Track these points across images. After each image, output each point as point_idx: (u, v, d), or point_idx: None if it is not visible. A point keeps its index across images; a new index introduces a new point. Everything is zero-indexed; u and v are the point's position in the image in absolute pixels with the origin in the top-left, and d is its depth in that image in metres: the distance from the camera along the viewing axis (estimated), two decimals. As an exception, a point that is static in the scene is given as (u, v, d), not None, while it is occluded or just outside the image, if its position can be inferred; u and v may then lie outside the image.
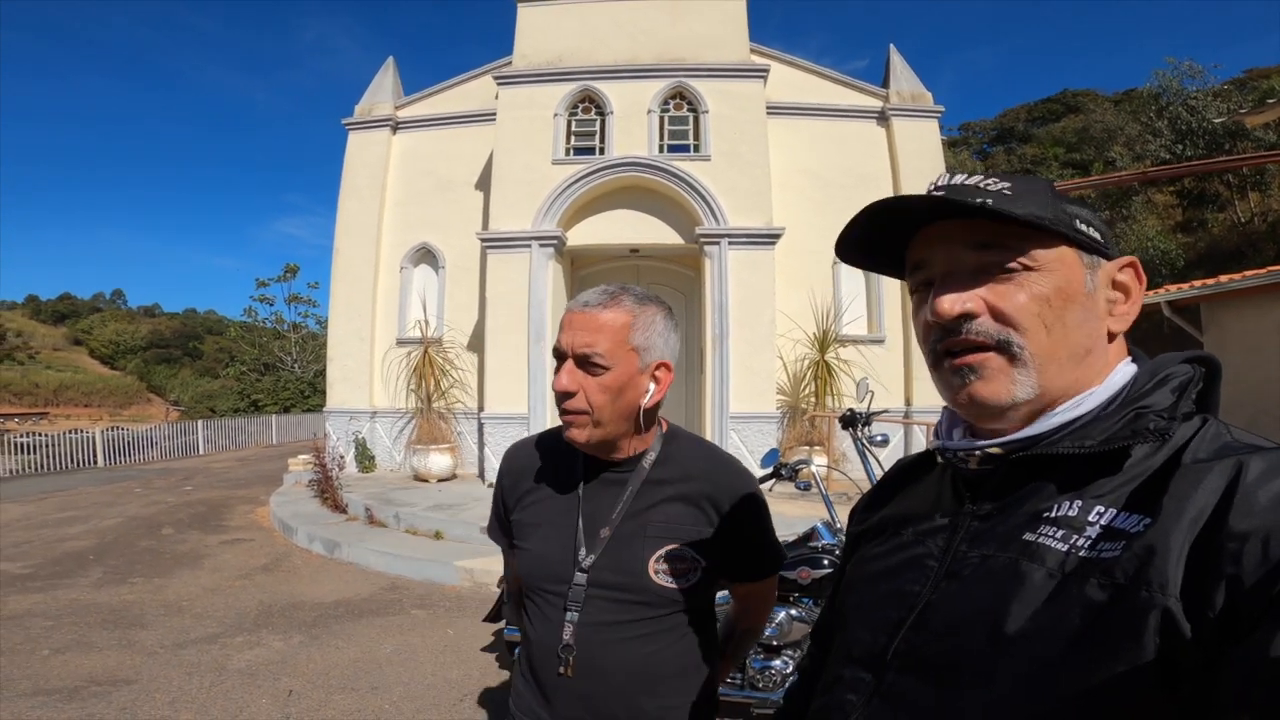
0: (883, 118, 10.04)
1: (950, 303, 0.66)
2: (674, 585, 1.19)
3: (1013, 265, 0.65)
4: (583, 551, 1.21)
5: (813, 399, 8.85)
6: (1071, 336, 0.65)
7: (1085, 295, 0.66)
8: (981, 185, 0.66)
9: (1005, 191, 0.65)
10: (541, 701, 1.23)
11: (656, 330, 1.19)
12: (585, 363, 1.15)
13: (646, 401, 1.19)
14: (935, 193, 0.67)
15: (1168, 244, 21.36)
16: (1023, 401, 0.65)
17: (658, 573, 1.19)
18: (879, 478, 0.93)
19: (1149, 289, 12.84)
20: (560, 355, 1.17)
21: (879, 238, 0.74)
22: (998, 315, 0.65)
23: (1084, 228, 0.66)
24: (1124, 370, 0.68)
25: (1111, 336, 0.68)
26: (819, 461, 4.31)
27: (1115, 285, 0.68)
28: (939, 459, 0.77)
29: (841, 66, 10.99)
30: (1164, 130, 23.44)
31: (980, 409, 0.67)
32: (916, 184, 9.60)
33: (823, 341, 8.81)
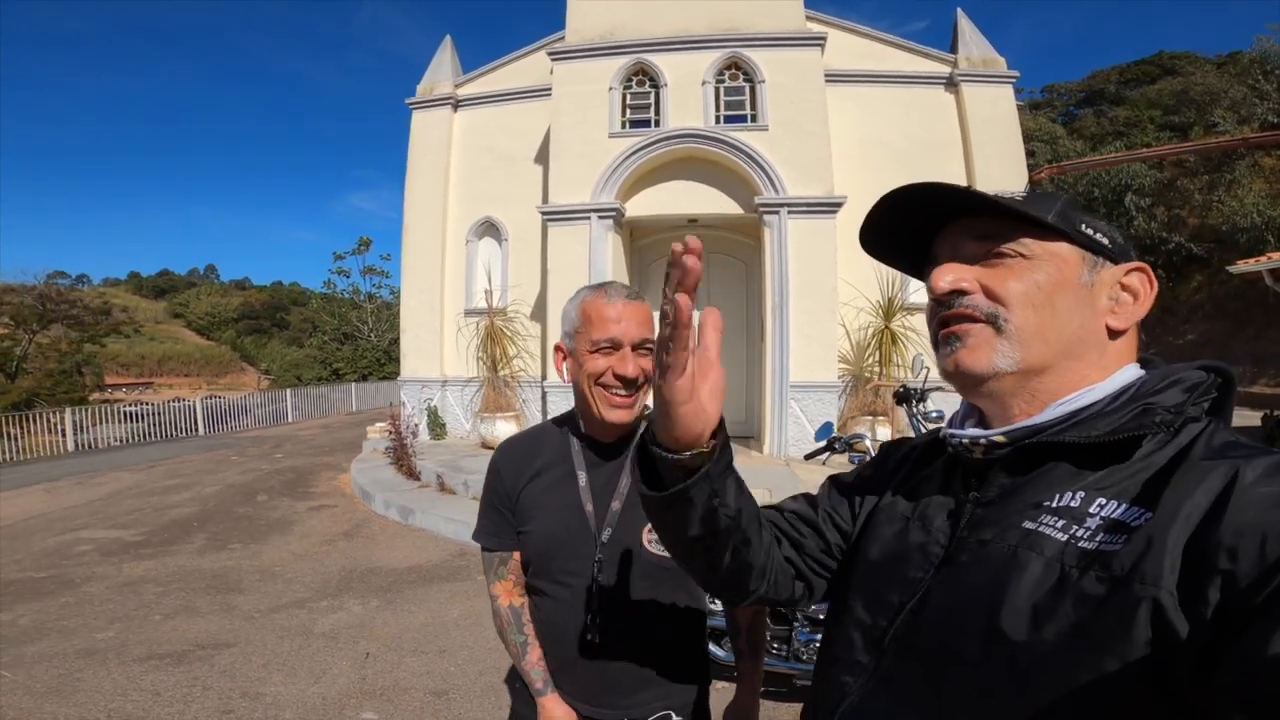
0: (951, 83, 9.57)
1: (942, 275, 0.71)
2: (666, 554, 1.30)
3: (1006, 251, 0.69)
4: (601, 525, 1.31)
5: (877, 368, 8.69)
6: (1060, 320, 0.68)
7: (1079, 286, 0.69)
8: (997, 196, 0.71)
9: (1016, 198, 0.70)
10: (559, 674, 1.34)
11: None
12: (639, 348, 1.27)
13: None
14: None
15: (1273, 210, 19.74)
16: (1005, 372, 0.68)
17: (650, 542, 1.29)
18: (919, 442, 0.93)
19: (1253, 256, 11.83)
20: (616, 344, 1.26)
21: (908, 240, 0.79)
22: (989, 293, 0.69)
23: (1089, 231, 0.70)
24: (1129, 371, 0.69)
25: (1115, 334, 0.70)
26: (880, 434, 4.28)
27: (1124, 288, 0.70)
28: (948, 448, 0.79)
29: (899, 29, 10.50)
30: (1272, 93, 21.66)
31: (965, 377, 0.71)
32: (990, 152, 9.23)
33: (888, 309, 8.61)
